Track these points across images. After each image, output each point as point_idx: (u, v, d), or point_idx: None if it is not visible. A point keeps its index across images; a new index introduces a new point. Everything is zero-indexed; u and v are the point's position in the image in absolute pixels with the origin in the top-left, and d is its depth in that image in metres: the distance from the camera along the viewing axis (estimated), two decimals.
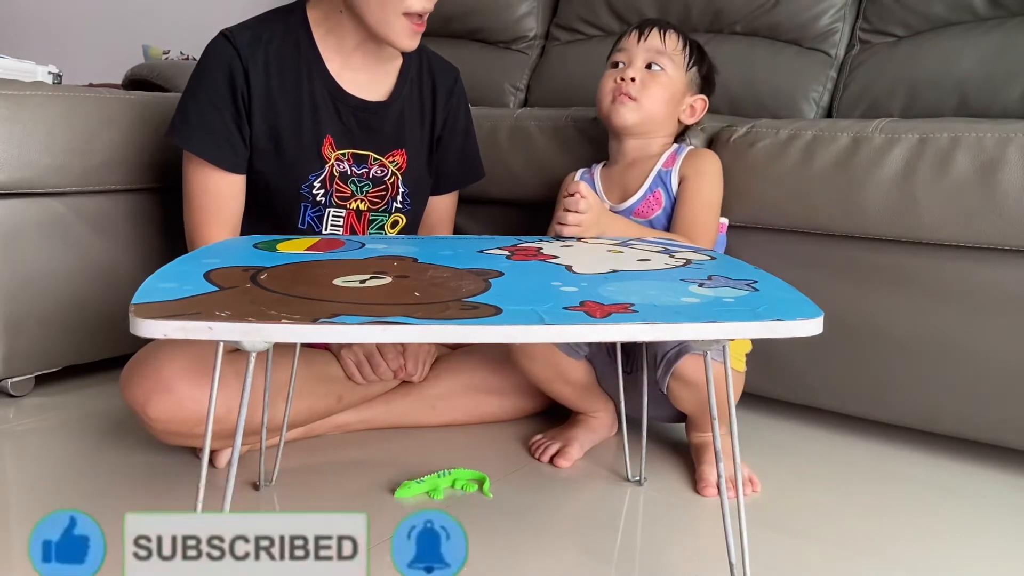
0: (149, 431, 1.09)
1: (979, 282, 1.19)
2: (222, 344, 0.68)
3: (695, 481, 1.13)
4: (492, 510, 1.05)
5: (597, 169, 1.33)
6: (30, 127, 1.33)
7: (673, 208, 1.23)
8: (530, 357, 1.21)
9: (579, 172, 1.34)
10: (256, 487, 1.09)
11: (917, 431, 1.30)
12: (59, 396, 1.42)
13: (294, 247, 0.93)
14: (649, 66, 1.24)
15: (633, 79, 1.23)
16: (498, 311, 0.67)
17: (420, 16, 1.16)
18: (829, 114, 1.76)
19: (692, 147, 1.29)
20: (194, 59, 2.44)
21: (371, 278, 0.78)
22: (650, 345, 1.15)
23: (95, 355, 1.48)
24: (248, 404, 0.69)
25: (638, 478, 1.13)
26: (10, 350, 1.37)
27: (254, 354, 0.66)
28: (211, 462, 1.13)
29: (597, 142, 1.46)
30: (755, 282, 0.81)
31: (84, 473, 1.13)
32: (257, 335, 0.62)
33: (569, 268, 0.86)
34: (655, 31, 1.26)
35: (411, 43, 1.18)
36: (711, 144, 1.39)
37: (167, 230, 1.54)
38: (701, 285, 0.79)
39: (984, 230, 1.16)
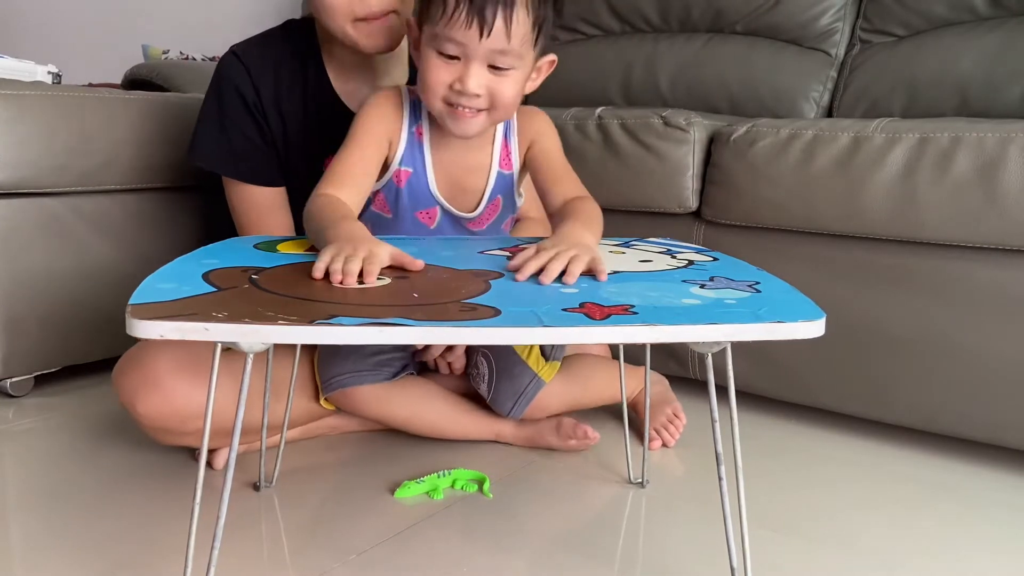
0: (141, 429, 1.09)
1: (979, 282, 1.19)
2: (220, 345, 0.68)
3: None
4: (492, 510, 1.05)
5: (424, 127, 1.08)
6: (30, 127, 1.33)
7: (506, 209, 1.14)
8: (354, 409, 1.20)
9: (404, 135, 1.07)
10: (256, 488, 1.08)
11: (917, 431, 1.30)
12: (59, 396, 1.42)
13: (294, 248, 0.93)
14: (495, 65, 0.97)
15: (478, 94, 0.97)
16: (497, 312, 0.67)
17: (372, 19, 1.10)
18: (829, 114, 1.77)
19: (512, 125, 1.12)
20: (194, 59, 2.44)
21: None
22: (496, 366, 1.20)
23: (95, 355, 1.48)
24: (244, 403, 0.69)
25: (640, 480, 1.13)
26: (10, 350, 1.36)
27: (251, 355, 0.66)
28: (209, 463, 1.13)
29: (598, 140, 1.46)
30: (757, 283, 0.81)
31: (84, 473, 1.13)
32: (254, 336, 0.62)
33: None
34: (501, 24, 0.93)
35: (368, 43, 1.13)
36: (711, 143, 1.39)
37: (167, 230, 1.54)
38: (703, 286, 0.79)
39: (984, 230, 1.16)
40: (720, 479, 0.77)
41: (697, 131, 1.39)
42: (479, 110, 0.99)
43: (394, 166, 1.07)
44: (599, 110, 1.48)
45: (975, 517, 1.08)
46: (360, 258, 0.77)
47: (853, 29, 1.80)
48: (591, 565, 0.93)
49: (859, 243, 1.27)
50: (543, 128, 1.12)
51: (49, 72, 1.60)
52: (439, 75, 0.98)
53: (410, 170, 1.08)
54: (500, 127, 1.10)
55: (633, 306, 0.70)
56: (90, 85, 1.90)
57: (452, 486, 1.10)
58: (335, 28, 1.13)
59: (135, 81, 2.07)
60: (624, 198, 1.45)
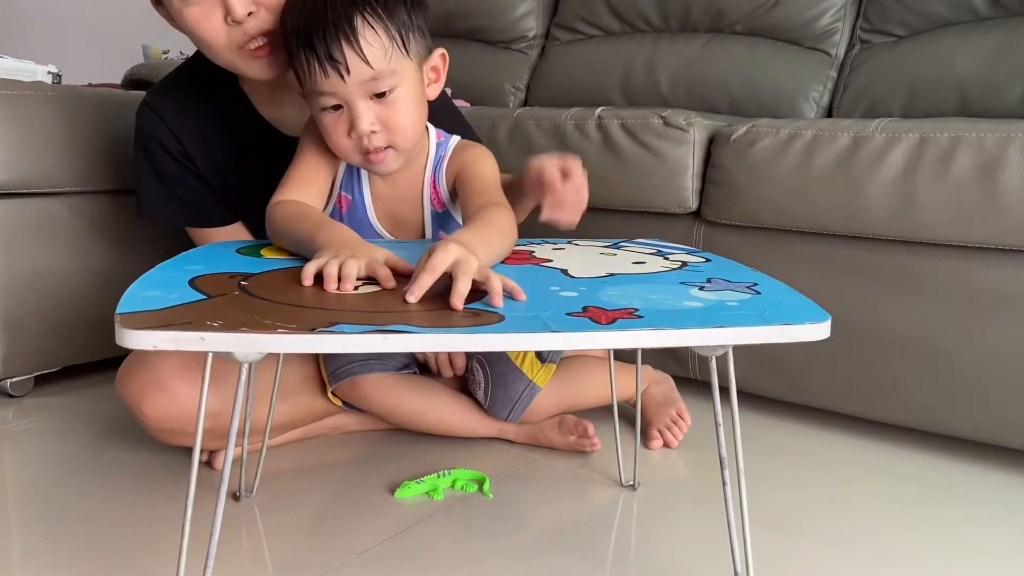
0: (145, 429, 1.09)
1: (979, 282, 1.18)
2: (211, 354, 0.66)
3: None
4: (492, 510, 1.05)
5: (364, 177, 1.06)
6: (30, 127, 1.33)
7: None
8: (361, 399, 1.20)
9: (341, 172, 1.06)
10: (247, 492, 1.08)
11: (917, 431, 1.30)
12: (59, 396, 1.42)
13: (279, 252, 0.92)
14: (377, 93, 0.93)
15: (374, 131, 0.94)
16: (501, 318, 0.66)
17: (256, 51, 1.03)
18: (829, 114, 1.77)
19: (444, 158, 1.07)
20: None
21: (363, 284, 0.76)
22: (491, 370, 1.19)
23: (95, 355, 1.48)
24: (241, 410, 0.68)
25: (632, 482, 1.13)
26: (10, 350, 1.36)
27: (247, 364, 0.65)
28: (210, 464, 1.13)
29: (598, 140, 1.46)
30: (755, 284, 0.81)
31: (84, 473, 1.13)
32: (251, 346, 0.60)
33: (565, 272, 0.85)
34: (353, 56, 0.90)
35: (258, 71, 1.05)
36: (711, 143, 1.39)
37: (166, 230, 1.54)
38: (702, 288, 0.79)
39: (984, 230, 1.16)
40: (724, 483, 0.77)
41: (697, 131, 1.39)
42: (385, 148, 0.96)
43: (336, 190, 1.06)
44: (599, 110, 1.48)
45: (975, 517, 1.08)
46: (360, 262, 0.76)
47: (853, 29, 1.80)
48: (592, 565, 0.93)
49: (859, 243, 1.27)
50: (473, 156, 1.06)
51: (49, 72, 1.61)
52: (338, 131, 0.95)
53: (349, 197, 1.06)
54: (431, 164, 1.07)
55: (637, 309, 0.69)
56: (90, 85, 1.90)
57: (452, 486, 1.10)
58: (224, 63, 1.06)
59: (135, 81, 2.08)
60: (624, 198, 1.45)
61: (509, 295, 0.72)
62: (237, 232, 1.22)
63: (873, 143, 1.23)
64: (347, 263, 0.75)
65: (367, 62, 0.91)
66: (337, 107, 0.94)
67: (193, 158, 1.16)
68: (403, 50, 0.94)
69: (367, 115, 0.93)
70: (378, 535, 0.98)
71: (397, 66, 0.93)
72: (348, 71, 0.91)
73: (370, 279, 0.77)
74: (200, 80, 1.17)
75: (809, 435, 1.34)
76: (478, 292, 0.71)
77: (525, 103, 2.12)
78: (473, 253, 0.75)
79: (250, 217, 1.21)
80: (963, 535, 1.03)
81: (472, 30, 2.23)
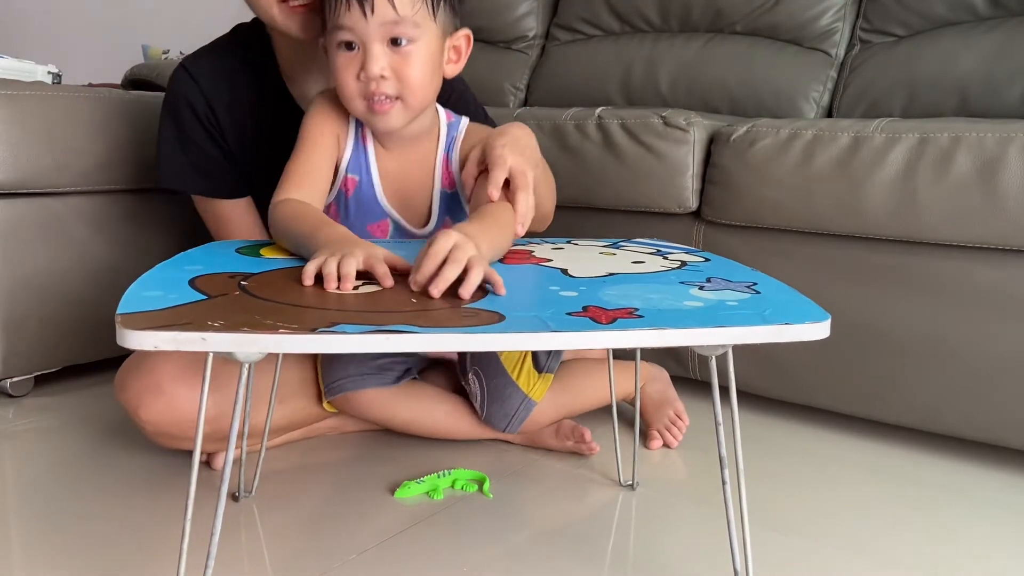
0: (143, 435, 1.09)
1: (979, 282, 1.19)
2: (211, 354, 0.66)
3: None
4: (492, 510, 1.05)
5: (370, 147, 1.06)
6: (30, 127, 1.33)
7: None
8: (356, 412, 1.20)
9: (351, 139, 1.05)
10: (246, 493, 1.08)
11: (917, 431, 1.30)
12: (59, 396, 1.42)
13: (278, 252, 0.92)
14: (394, 40, 0.95)
15: (383, 76, 0.95)
16: (501, 318, 0.66)
17: (297, 4, 1.06)
18: (829, 114, 1.77)
19: (456, 139, 1.09)
20: None
21: (363, 284, 0.76)
22: (487, 384, 1.18)
23: (95, 355, 1.48)
24: (241, 410, 0.68)
25: (631, 482, 1.13)
26: (10, 350, 1.36)
27: (246, 365, 0.65)
28: (209, 464, 1.13)
29: (598, 140, 1.46)
30: (754, 284, 0.81)
31: (83, 473, 1.13)
32: (252, 346, 0.60)
33: (565, 271, 0.85)
34: None
35: (296, 28, 1.07)
36: (711, 143, 1.39)
37: (167, 230, 1.54)
38: (701, 288, 0.79)
39: (984, 230, 1.16)
40: (724, 483, 0.77)
41: (697, 131, 1.39)
42: (394, 98, 0.97)
43: (342, 173, 1.06)
44: (599, 110, 1.48)
45: (975, 517, 1.08)
46: (358, 261, 0.76)
47: (853, 29, 1.80)
48: (591, 565, 0.93)
49: (859, 243, 1.27)
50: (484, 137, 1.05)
51: (49, 72, 1.60)
52: (348, 73, 0.96)
53: (356, 178, 1.06)
54: (443, 144, 1.08)
55: (637, 309, 0.69)
56: (90, 85, 1.90)
57: (452, 486, 1.10)
58: (264, 16, 1.09)
59: (135, 81, 2.08)
60: (624, 198, 1.45)
61: (492, 289, 0.73)
62: (245, 207, 1.22)
63: (873, 143, 1.23)
64: (345, 261, 0.75)
65: (392, 5, 0.93)
66: (352, 47, 0.95)
67: (221, 125, 1.17)
68: (430, 10, 0.96)
69: (380, 59, 0.95)
70: (378, 535, 0.98)
71: (421, 21, 0.95)
72: (372, 10, 0.92)
73: (370, 279, 0.77)
74: (237, 50, 1.19)
75: (809, 435, 1.34)
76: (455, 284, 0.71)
77: (525, 103, 2.13)
78: (473, 242, 0.76)
79: (262, 193, 1.21)
80: (963, 535, 1.03)
81: (472, 30, 2.21)
